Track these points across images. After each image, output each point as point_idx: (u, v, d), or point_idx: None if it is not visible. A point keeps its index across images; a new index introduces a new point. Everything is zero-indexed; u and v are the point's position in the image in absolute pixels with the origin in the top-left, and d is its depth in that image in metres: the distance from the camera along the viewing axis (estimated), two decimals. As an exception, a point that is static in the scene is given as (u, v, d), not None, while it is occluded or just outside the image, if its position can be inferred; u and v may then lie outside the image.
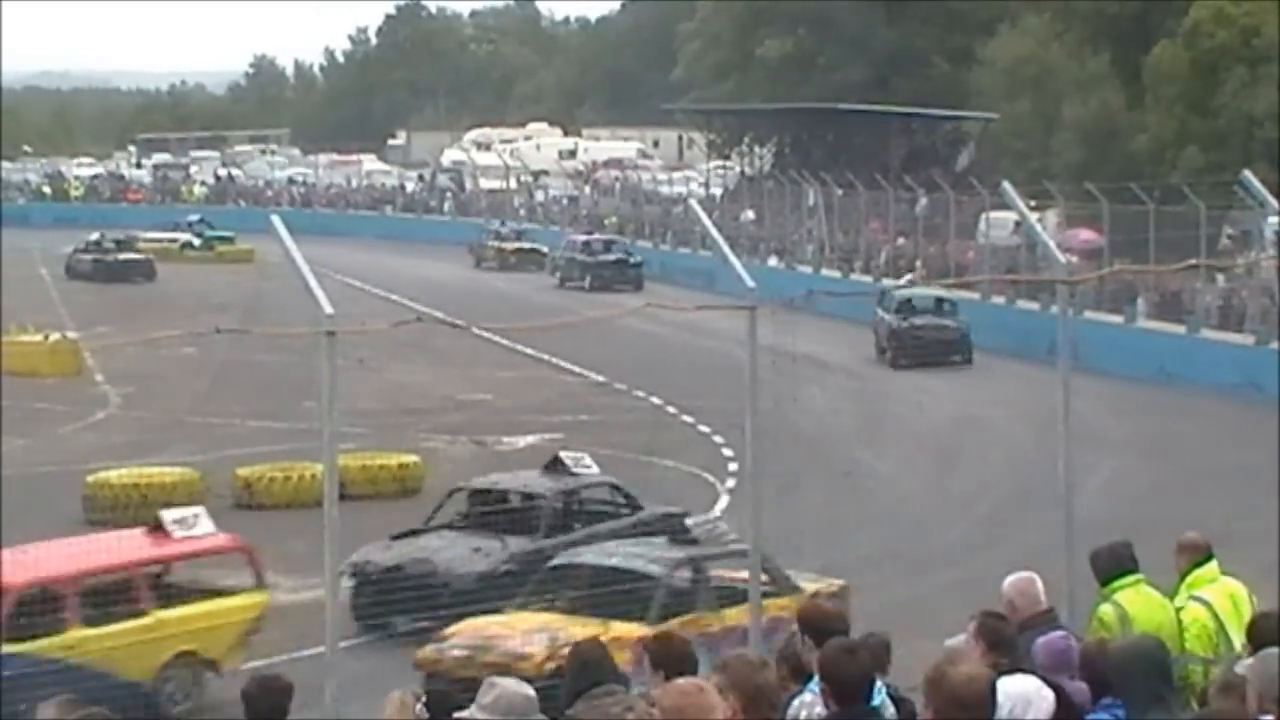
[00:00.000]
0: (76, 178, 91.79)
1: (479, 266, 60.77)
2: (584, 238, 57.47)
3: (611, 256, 54.24)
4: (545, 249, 60.26)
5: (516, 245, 62.30)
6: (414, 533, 19.01)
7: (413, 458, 26.32)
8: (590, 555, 16.46)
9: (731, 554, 15.47)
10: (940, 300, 38.49)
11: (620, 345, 38.49)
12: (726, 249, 11.76)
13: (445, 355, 36.90)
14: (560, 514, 19.03)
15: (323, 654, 9.39)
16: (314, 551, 9.80)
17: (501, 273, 58.83)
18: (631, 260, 53.98)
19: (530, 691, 6.23)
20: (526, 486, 19.56)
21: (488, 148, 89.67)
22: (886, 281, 43.72)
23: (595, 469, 20.00)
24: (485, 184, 79.89)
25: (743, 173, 70.59)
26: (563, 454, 20.22)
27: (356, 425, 26.31)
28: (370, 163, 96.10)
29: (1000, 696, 5.74)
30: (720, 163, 73.07)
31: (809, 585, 15.86)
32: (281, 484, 24.51)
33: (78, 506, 23.74)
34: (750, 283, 11.11)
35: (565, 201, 74.37)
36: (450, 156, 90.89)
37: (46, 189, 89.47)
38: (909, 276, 43.84)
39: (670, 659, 6.38)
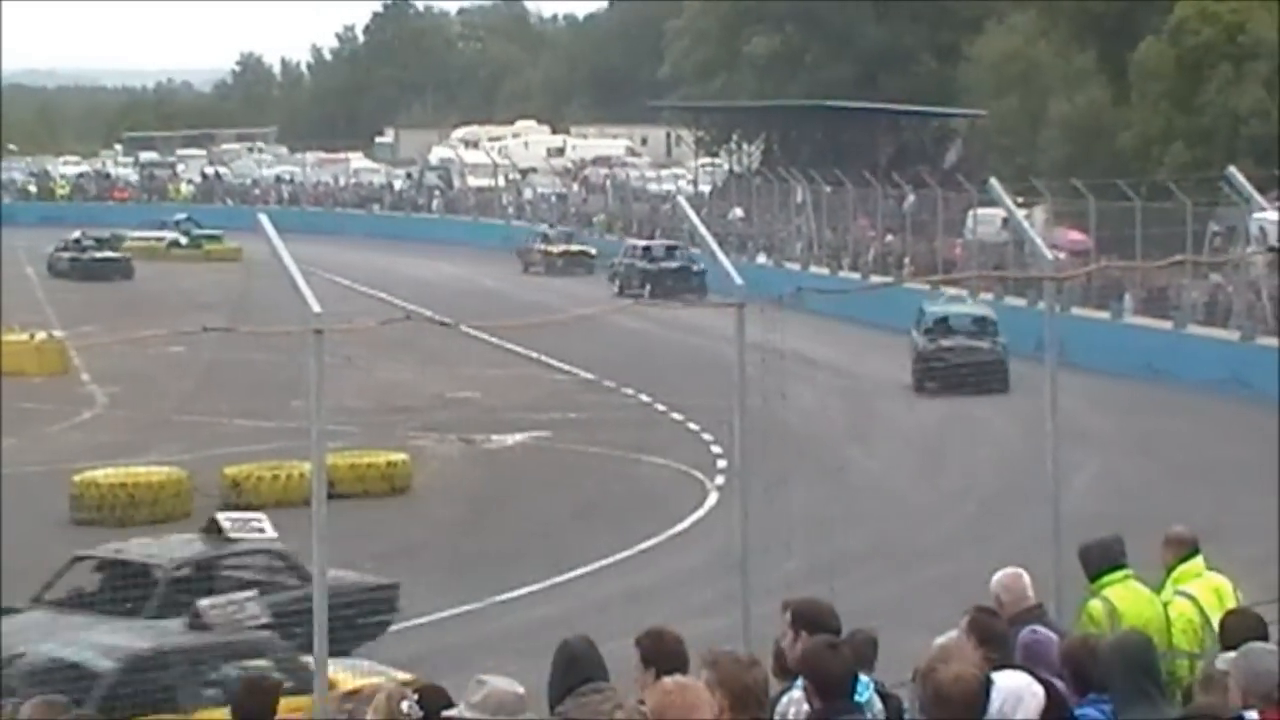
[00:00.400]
0: (62, 176, 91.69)
1: (527, 271, 58.56)
2: (643, 243, 53.66)
3: (674, 264, 49.99)
4: (594, 251, 58.46)
5: (564, 248, 59.74)
6: (10, 611, 15.90)
7: (401, 456, 26.32)
8: (52, 643, 13.84)
9: (240, 645, 13.63)
10: (980, 319, 35.55)
11: (609, 343, 38.49)
12: (715, 246, 11.79)
13: (434, 353, 36.88)
14: (187, 589, 15.66)
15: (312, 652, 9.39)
16: (302, 550, 9.81)
17: (549, 277, 56.43)
18: (695, 268, 48.05)
19: (520, 689, 6.23)
20: (151, 557, 16.46)
21: (475, 145, 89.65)
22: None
23: (267, 533, 17.11)
24: (473, 182, 79.88)
25: (731, 170, 70.64)
26: (223, 516, 17.40)
27: (345, 424, 26.29)
28: (358, 161, 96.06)
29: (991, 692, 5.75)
30: (708, 160, 73.11)
31: (345, 678, 13.20)
32: (269, 483, 24.50)
33: (65, 506, 23.73)
34: (738, 280, 11.14)
35: (553, 199, 74.35)
36: (438, 154, 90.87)
37: (32, 188, 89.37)
38: (953, 291, 39.57)
39: (661, 656, 6.35)
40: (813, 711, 6.05)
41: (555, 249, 59.71)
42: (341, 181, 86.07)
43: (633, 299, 48.18)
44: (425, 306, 34.77)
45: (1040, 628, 7.52)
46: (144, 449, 28.17)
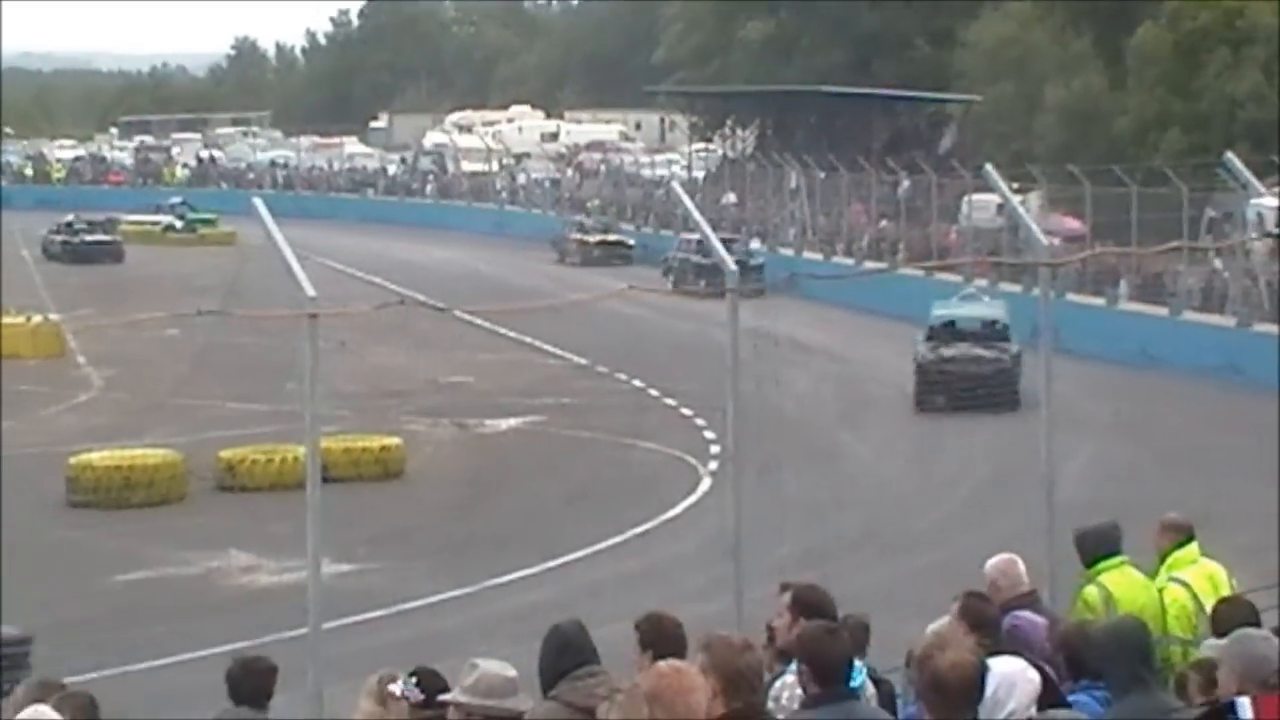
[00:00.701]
0: (58, 160, 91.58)
1: (562, 261, 56.62)
2: (696, 236, 50.74)
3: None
4: (632, 241, 56.97)
5: (601, 238, 57.66)
6: None
7: (395, 440, 26.36)
8: None
9: None
10: (991, 323, 31.62)
11: (602, 328, 38.49)
12: (709, 231, 11.77)
13: (427, 338, 36.87)
14: None
15: (306, 635, 9.40)
16: (297, 534, 9.82)
17: (585, 268, 53.82)
18: (752, 263, 41.38)
19: (512, 672, 6.24)
20: None
21: (469, 130, 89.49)
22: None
23: None
24: (467, 166, 79.79)
25: (725, 155, 70.53)
26: None
27: (339, 408, 26.31)
28: (352, 145, 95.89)
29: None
30: (702, 145, 72.99)
31: None
32: (264, 466, 24.54)
33: (61, 489, 23.75)
34: (732, 266, 11.13)
35: (547, 184, 74.31)
36: (432, 139, 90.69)
37: (28, 171, 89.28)
38: (966, 290, 35.87)
39: (659, 639, 6.36)
40: (807, 696, 6.06)
41: (592, 239, 57.60)
42: (336, 166, 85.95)
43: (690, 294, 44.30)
44: (419, 291, 34.74)
45: (1024, 612, 7.49)
46: (139, 432, 28.19)
